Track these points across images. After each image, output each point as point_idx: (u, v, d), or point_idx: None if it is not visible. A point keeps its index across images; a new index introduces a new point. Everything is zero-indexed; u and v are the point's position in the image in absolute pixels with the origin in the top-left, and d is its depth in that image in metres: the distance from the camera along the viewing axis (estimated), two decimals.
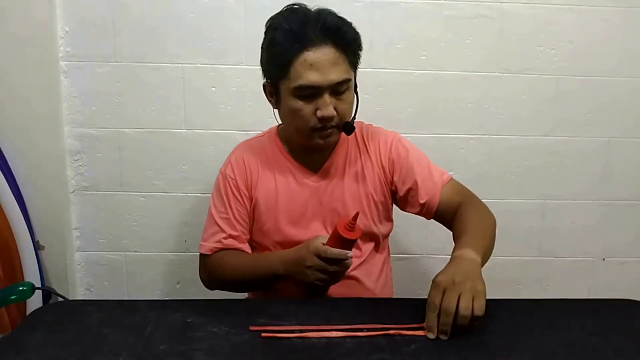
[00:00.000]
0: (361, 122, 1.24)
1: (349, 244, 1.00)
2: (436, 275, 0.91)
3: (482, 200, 1.25)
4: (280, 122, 1.23)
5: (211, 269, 1.18)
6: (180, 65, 1.52)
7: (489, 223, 1.17)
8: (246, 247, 1.19)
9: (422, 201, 1.19)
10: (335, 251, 0.99)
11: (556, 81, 1.59)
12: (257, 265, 1.13)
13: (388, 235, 1.27)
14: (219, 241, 1.17)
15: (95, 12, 1.49)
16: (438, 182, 1.21)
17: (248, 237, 1.21)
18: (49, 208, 1.52)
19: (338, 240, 0.99)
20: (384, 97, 1.56)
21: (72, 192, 1.59)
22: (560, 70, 1.58)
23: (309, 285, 1.04)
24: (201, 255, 1.20)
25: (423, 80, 1.56)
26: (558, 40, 1.56)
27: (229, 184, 1.18)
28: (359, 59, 1.11)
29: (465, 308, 0.84)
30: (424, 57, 1.55)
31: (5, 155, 1.46)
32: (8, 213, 1.43)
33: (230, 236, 1.17)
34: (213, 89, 1.54)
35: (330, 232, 1.16)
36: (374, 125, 1.26)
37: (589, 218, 1.68)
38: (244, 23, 1.51)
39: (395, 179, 1.21)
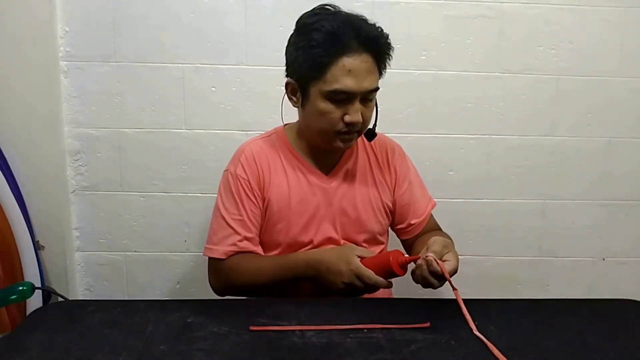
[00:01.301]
0: None
1: (391, 276, 1.01)
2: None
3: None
4: (284, 123, 1.23)
5: (226, 274, 1.14)
6: (180, 65, 1.52)
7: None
8: (260, 250, 1.16)
9: (412, 222, 1.23)
10: (380, 281, 1.00)
11: (556, 81, 1.59)
12: (281, 268, 1.10)
13: (387, 234, 1.29)
14: (234, 244, 1.13)
15: (95, 12, 1.49)
16: (428, 207, 1.25)
17: (259, 238, 1.18)
18: (49, 208, 1.52)
19: (384, 269, 1.00)
20: (384, 97, 1.54)
21: (72, 192, 1.59)
22: (560, 70, 1.58)
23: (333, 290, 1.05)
24: (212, 260, 1.15)
25: (423, 80, 1.56)
26: (558, 40, 1.56)
27: (241, 184, 1.15)
28: (385, 70, 1.12)
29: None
30: (424, 57, 1.56)
31: (5, 155, 1.46)
32: (8, 213, 1.43)
33: (246, 238, 1.14)
34: (213, 89, 1.54)
35: (339, 234, 1.18)
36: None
37: (589, 218, 1.68)
38: (244, 23, 1.51)
39: (396, 190, 1.24)
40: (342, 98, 1.05)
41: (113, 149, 1.57)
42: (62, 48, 1.50)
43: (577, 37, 1.56)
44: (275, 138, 1.21)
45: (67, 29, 1.49)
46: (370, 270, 1.00)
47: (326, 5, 1.09)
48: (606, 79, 1.59)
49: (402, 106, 1.58)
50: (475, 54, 1.56)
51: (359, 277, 1.00)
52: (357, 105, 1.06)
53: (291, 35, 1.11)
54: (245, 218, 1.14)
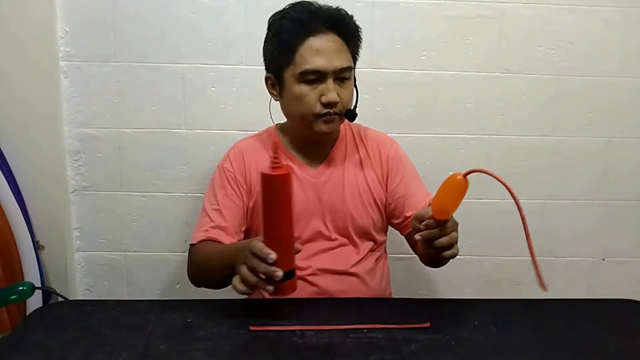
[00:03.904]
0: (358, 124, 1.26)
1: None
2: None
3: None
4: (276, 123, 1.24)
5: (191, 261, 1.14)
6: (180, 65, 1.52)
7: None
8: (230, 241, 1.13)
9: (408, 214, 1.20)
10: (266, 251, 0.85)
11: (556, 81, 1.59)
12: (221, 255, 1.04)
13: (385, 233, 1.28)
14: (206, 230, 1.13)
15: (95, 12, 1.49)
16: (425, 201, 1.21)
17: (239, 230, 1.16)
18: (49, 208, 1.52)
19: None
20: (384, 97, 1.56)
21: (72, 192, 1.59)
22: (560, 70, 1.58)
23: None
24: (189, 248, 1.16)
25: (423, 80, 1.56)
26: (558, 40, 1.56)
27: (225, 176, 1.18)
28: (358, 51, 1.15)
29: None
30: (424, 57, 1.55)
31: (5, 155, 1.46)
32: (8, 213, 1.43)
33: (218, 226, 1.13)
34: (213, 89, 1.54)
35: (330, 229, 1.18)
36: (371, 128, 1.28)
37: (589, 218, 1.67)
38: (244, 23, 1.51)
39: (389, 183, 1.23)
40: (314, 78, 1.08)
41: (113, 149, 1.57)
42: (62, 48, 1.50)
43: (577, 37, 1.56)
44: (267, 136, 1.24)
45: (67, 29, 1.49)
46: (261, 243, 0.86)
47: (294, 3, 1.13)
48: (606, 79, 1.59)
49: (402, 106, 1.58)
50: (475, 54, 1.56)
51: (251, 252, 0.87)
52: (331, 84, 1.08)
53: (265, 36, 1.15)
54: (222, 207, 1.15)
